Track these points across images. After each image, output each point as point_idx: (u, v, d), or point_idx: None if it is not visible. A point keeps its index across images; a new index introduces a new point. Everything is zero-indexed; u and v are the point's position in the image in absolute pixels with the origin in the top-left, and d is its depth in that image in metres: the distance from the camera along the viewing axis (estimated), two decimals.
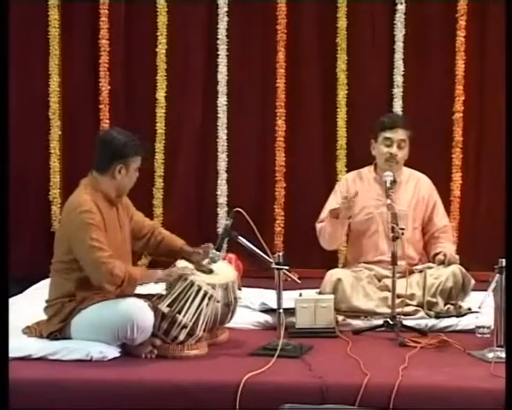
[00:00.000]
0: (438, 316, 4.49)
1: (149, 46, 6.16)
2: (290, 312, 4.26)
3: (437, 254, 4.75)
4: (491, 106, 6.01)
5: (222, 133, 6.18)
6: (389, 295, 4.42)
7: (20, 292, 5.15)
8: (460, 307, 4.59)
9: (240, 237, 4.05)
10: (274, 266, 3.94)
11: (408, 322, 4.34)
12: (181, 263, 4.08)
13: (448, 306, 4.56)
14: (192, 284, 3.91)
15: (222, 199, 6.20)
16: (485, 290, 3.85)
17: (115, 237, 3.96)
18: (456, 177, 6.07)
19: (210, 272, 4.07)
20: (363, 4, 6.08)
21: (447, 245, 4.85)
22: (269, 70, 6.14)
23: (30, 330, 4.04)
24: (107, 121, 6.15)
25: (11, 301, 4.21)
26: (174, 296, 3.89)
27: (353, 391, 3.40)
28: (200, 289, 3.89)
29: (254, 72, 6.20)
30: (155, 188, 6.22)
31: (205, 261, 4.08)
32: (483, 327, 4.22)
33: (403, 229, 4.33)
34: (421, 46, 6.10)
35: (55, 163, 6.20)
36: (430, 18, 6.10)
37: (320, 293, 4.61)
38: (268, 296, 4.57)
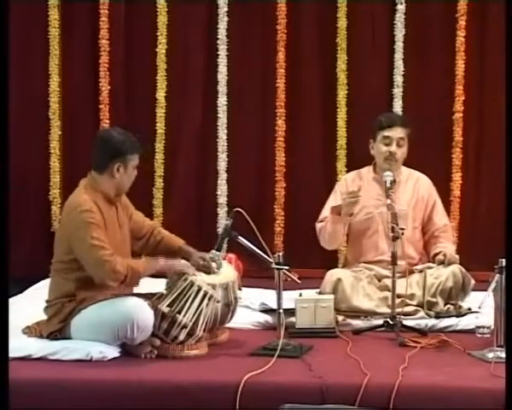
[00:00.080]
0: (438, 316, 4.49)
1: (149, 46, 6.16)
2: (290, 312, 4.26)
3: (437, 254, 4.75)
4: (491, 106, 6.01)
5: (222, 133, 6.18)
6: (389, 295, 4.42)
7: (20, 292, 5.15)
8: (460, 307, 4.59)
9: (240, 237, 4.05)
10: (274, 266, 3.94)
11: (408, 322, 4.33)
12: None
13: (448, 306, 4.56)
14: (192, 284, 3.91)
15: (222, 199, 6.20)
16: (485, 290, 3.85)
17: (115, 236, 3.97)
18: (456, 177, 6.07)
19: (211, 271, 4.07)
20: (363, 4, 6.08)
21: (447, 245, 4.85)
22: (269, 70, 6.14)
23: (30, 330, 4.04)
24: (107, 121, 6.15)
25: (11, 301, 4.21)
26: (174, 296, 3.89)
27: (353, 391, 3.40)
28: (200, 289, 3.90)
29: (254, 72, 6.20)
30: (155, 188, 6.22)
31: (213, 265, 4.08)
32: (483, 327, 4.22)
33: (403, 229, 4.33)
34: (421, 46, 6.10)
35: (55, 163, 6.20)
36: (430, 18, 6.10)
37: (320, 293, 4.61)
38: (268, 296, 4.57)
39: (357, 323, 4.45)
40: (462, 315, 4.51)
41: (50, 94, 6.18)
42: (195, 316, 3.85)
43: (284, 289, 3.98)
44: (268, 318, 4.48)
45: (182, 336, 3.85)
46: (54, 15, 6.14)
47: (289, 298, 4.23)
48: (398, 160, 4.82)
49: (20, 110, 5.94)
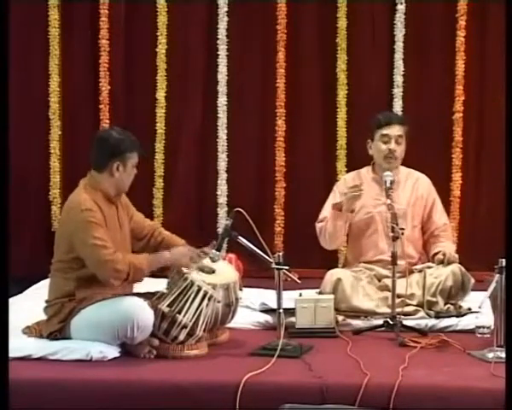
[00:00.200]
0: (438, 316, 4.49)
1: (149, 46, 6.17)
2: (290, 312, 4.25)
3: (436, 253, 4.75)
4: (491, 106, 6.02)
5: (222, 133, 6.19)
6: (389, 294, 4.42)
7: (20, 292, 5.15)
8: (460, 306, 4.59)
9: (240, 237, 4.05)
10: (274, 266, 3.94)
11: (408, 322, 4.33)
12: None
13: (448, 305, 4.56)
14: (192, 283, 3.91)
15: (222, 199, 6.20)
16: (485, 290, 3.85)
17: (115, 235, 3.96)
18: (456, 177, 6.07)
19: (211, 271, 4.07)
20: (363, 4, 6.08)
21: (447, 244, 4.85)
22: (269, 70, 6.14)
23: (30, 330, 4.04)
24: (107, 121, 6.16)
25: (11, 301, 4.20)
26: (174, 296, 3.89)
27: (353, 391, 3.40)
28: (200, 289, 3.89)
29: (254, 72, 6.21)
30: (155, 188, 6.22)
31: (206, 261, 4.08)
32: (483, 327, 4.22)
33: (403, 229, 4.33)
34: (421, 46, 6.10)
35: (55, 163, 6.21)
36: (430, 18, 6.10)
37: (320, 293, 4.61)
38: (268, 296, 4.57)
39: (357, 323, 4.45)
40: (462, 315, 4.51)
41: (50, 94, 6.18)
42: (195, 316, 3.85)
43: (284, 289, 3.97)
44: (268, 318, 4.48)
45: (182, 336, 3.85)
46: (54, 15, 6.14)
47: (289, 298, 4.23)
48: (398, 157, 4.82)
49: (20, 110, 5.94)
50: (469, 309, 4.55)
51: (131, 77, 6.25)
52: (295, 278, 4.00)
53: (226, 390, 3.43)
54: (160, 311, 3.85)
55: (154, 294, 3.99)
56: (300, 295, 4.36)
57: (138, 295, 3.98)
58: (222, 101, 6.17)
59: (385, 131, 4.79)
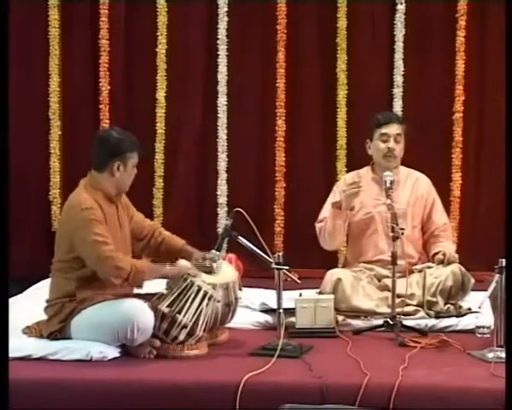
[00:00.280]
0: (438, 316, 4.49)
1: (149, 46, 6.17)
2: (290, 312, 4.25)
3: (436, 253, 4.75)
4: (491, 106, 6.02)
5: (222, 133, 6.19)
6: (389, 294, 4.42)
7: (20, 292, 5.15)
8: (460, 306, 4.59)
9: (240, 237, 4.05)
10: (274, 266, 3.94)
11: (408, 322, 4.33)
12: (182, 263, 4.09)
13: (448, 305, 4.56)
14: (192, 283, 3.91)
15: (222, 199, 6.20)
16: (485, 290, 3.85)
17: (115, 235, 3.96)
18: (456, 177, 6.07)
19: (211, 271, 4.08)
20: (363, 4, 6.09)
21: (447, 244, 4.85)
22: (269, 70, 6.14)
23: (30, 330, 4.04)
24: (107, 121, 6.16)
25: (11, 301, 4.20)
26: (174, 296, 3.89)
27: (353, 391, 3.40)
28: (200, 289, 3.89)
29: (254, 72, 6.21)
30: (155, 188, 6.22)
31: (207, 262, 4.08)
32: (483, 327, 4.22)
33: (403, 229, 4.33)
34: (421, 46, 6.10)
35: (55, 163, 6.21)
36: (430, 18, 6.10)
37: (320, 293, 4.61)
38: (268, 296, 4.57)
39: (357, 323, 4.45)
40: (462, 315, 4.51)
41: (50, 94, 6.18)
42: (195, 316, 3.85)
43: (284, 289, 3.97)
44: (268, 318, 4.48)
45: (182, 336, 3.85)
46: (54, 15, 6.15)
47: (289, 298, 4.23)
48: (397, 156, 4.82)
49: (20, 110, 5.94)
50: (469, 309, 4.55)
51: (131, 77, 6.25)
52: (295, 278, 4.00)
53: (226, 390, 3.43)
54: (159, 311, 3.85)
55: (154, 295, 3.99)
56: (300, 295, 4.36)
57: (138, 296, 3.98)
58: (222, 101, 6.17)
59: (384, 130, 4.79)
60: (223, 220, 6.01)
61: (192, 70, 6.22)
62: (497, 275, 3.79)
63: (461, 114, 6.05)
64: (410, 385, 3.45)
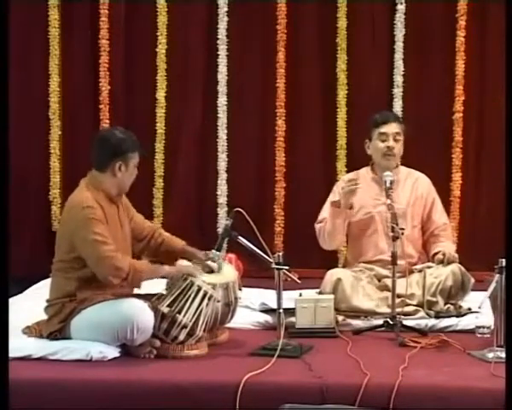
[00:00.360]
0: (438, 316, 4.49)
1: (149, 46, 6.17)
2: (290, 312, 4.25)
3: (436, 253, 4.75)
4: (491, 106, 6.02)
5: (222, 133, 6.19)
6: (389, 294, 4.42)
7: (20, 292, 5.15)
8: (460, 306, 4.59)
9: (240, 237, 4.05)
10: (274, 266, 3.94)
11: (408, 322, 4.33)
12: (182, 263, 4.09)
13: (448, 305, 4.56)
14: (192, 283, 3.91)
15: (222, 199, 6.20)
16: (485, 290, 3.85)
17: (116, 235, 3.96)
18: (456, 177, 6.07)
19: (211, 271, 4.08)
20: (363, 4, 6.09)
21: (446, 244, 4.85)
22: (269, 70, 6.14)
23: (30, 330, 4.04)
24: (107, 121, 6.16)
25: (11, 301, 4.20)
26: (174, 296, 3.89)
27: (353, 391, 3.40)
28: (200, 289, 3.89)
29: (254, 72, 6.21)
30: (155, 188, 6.22)
31: (209, 262, 4.09)
32: (483, 327, 4.22)
33: (403, 229, 4.33)
34: (421, 46, 6.11)
35: (55, 163, 6.21)
36: (430, 18, 6.10)
37: (320, 293, 4.61)
38: (268, 296, 4.57)
39: (357, 323, 4.45)
40: (462, 315, 4.51)
41: (50, 94, 6.18)
42: (195, 316, 3.85)
43: (284, 289, 3.97)
44: (268, 318, 4.48)
45: (182, 336, 3.85)
46: (54, 15, 6.15)
47: (289, 298, 4.23)
48: (396, 154, 4.82)
49: (20, 110, 5.94)
50: (469, 309, 4.55)
51: (131, 77, 6.25)
52: (295, 278, 4.00)
53: (226, 390, 3.43)
54: (159, 311, 3.85)
55: (154, 295, 3.99)
56: (300, 295, 4.36)
57: (138, 296, 3.98)
58: (222, 101, 6.17)
59: (382, 130, 4.80)
60: (223, 220, 6.01)
61: (192, 70, 6.22)
62: (497, 275, 3.79)
63: (461, 114, 6.05)
64: (410, 385, 3.45)
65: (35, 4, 6.12)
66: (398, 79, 6.07)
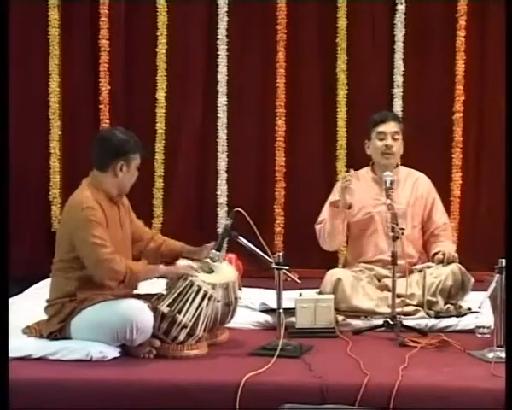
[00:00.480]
0: (438, 316, 4.49)
1: (149, 46, 6.17)
2: (290, 312, 4.25)
3: (436, 253, 4.75)
4: (491, 106, 6.02)
5: (222, 133, 6.19)
6: (389, 294, 4.42)
7: (20, 292, 5.15)
8: (460, 306, 4.59)
9: (240, 237, 4.05)
10: (274, 266, 3.94)
11: (408, 322, 4.33)
12: (182, 262, 4.09)
13: (448, 305, 4.56)
14: (192, 283, 3.90)
15: (222, 199, 6.20)
16: (485, 290, 3.85)
17: (116, 235, 3.97)
18: (456, 177, 6.07)
19: (211, 271, 4.08)
20: (363, 4, 6.09)
21: (447, 244, 4.85)
22: (269, 70, 6.14)
23: (30, 330, 4.04)
24: (107, 121, 6.16)
25: (11, 301, 4.20)
26: (174, 296, 3.89)
27: (353, 391, 3.40)
28: (200, 289, 3.89)
29: (254, 72, 6.21)
30: (155, 188, 6.22)
31: (207, 259, 4.09)
32: (483, 327, 4.22)
33: (403, 229, 4.33)
34: (421, 46, 6.11)
35: (55, 163, 6.21)
36: (430, 18, 6.10)
37: (320, 293, 4.61)
38: (268, 296, 4.57)
39: (357, 323, 4.45)
40: (462, 315, 4.51)
41: (50, 94, 6.19)
42: (195, 316, 3.85)
43: (284, 289, 3.97)
44: (268, 318, 4.48)
45: (182, 336, 3.85)
46: (54, 15, 6.15)
47: (289, 298, 4.23)
48: (395, 153, 4.82)
49: (20, 110, 5.94)
50: (469, 309, 4.55)
51: (131, 77, 6.25)
52: (295, 278, 4.00)
53: (226, 390, 3.43)
54: (159, 311, 3.85)
55: (154, 295, 3.99)
56: (300, 295, 4.36)
57: (138, 296, 3.98)
58: (222, 101, 6.17)
59: (380, 129, 4.81)
60: (223, 220, 6.01)
61: (192, 70, 6.22)
62: (497, 275, 3.79)
63: (461, 114, 6.05)
64: (410, 385, 3.45)
65: (35, 4, 6.12)
66: (398, 79, 6.07)
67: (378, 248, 4.80)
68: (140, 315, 3.77)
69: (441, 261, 4.67)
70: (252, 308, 4.65)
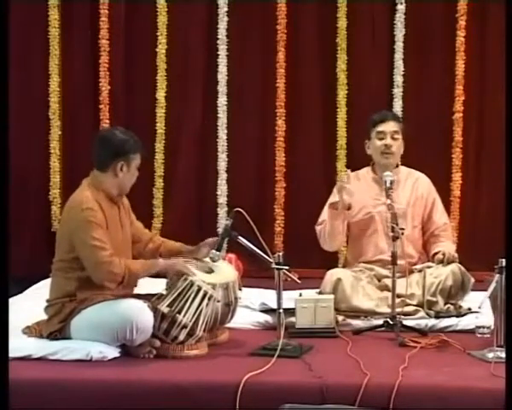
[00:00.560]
0: (438, 316, 4.49)
1: (149, 46, 6.17)
2: (290, 312, 4.25)
3: (436, 253, 4.75)
4: (491, 106, 6.02)
5: (222, 133, 6.19)
6: (389, 294, 4.42)
7: (20, 292, 5.15)
8: (460, 306, 4.59)
9: (240, 237, 4.05)
10: (274, 266, 3.94)
11: (408, 322, 4.33)
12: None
13: (448, 305, 4.56)
14: (192, 283, 3.90)
15: (222, 199, 6.20)
16: (485, 290, 3.85)
17: (116, 235, 3.97)
18: (456, 177, 6.07)
19: (210, 271, 4.08)
20: (363, 4, 6.08)
21: (447, 244, 4.85)
22: (269, 70, 6.14)
23: (30, 330, 4.04)
24: (107, 121, 6.16)
25: (11, 301, 4.20)
26: (174, 296, 3.89)
27: (353, 391, 3.40)
28: (200, 289, 3.89)
29: (254, 72, 6.21)
30: (155, 188, 6.22)
31: (206, 258, 4.09)
32: (483, 327, 4.22)
33: (403, 229, 4.33)
34: (421, 46, 6.10)
35: (55, 163, 6.21)
36: (430, 18, 6.10)
37: (320, 293, 4.61)
38: (268, 296, 4.57)
39: (357, 323, 4.45)
40: (462, 315, 4.51)
41: (50, 94, 6.18)
42: (195, 316, 3.85)
43: (284, 289, 3.97)
44: (268, 318, 4.48)
45: (182, 336, 3.85)
46: (54, 15, 6.14)
47: (289, 298, 4.23)
48: (394, 153, 4.82)
49: (20, 110, 5.93)
50: (469, 309, 4.55)
51: (131, 77, 6.25)
52: (295, 278, 4.00)
53: (226, 390, 3.43)
54: (159, 311, 3.85)
55: (154, 295, 3.99)
56: (300, 295, 4.36)
57: (138, 296, 3.98)
58: (222, 101, 6.17)
59: (380, 128, 4.81)
60: (223, 220, 6.01)
61: (192, 70, 6.22)
62: (497, 275, 3.79)
63: (461, 114, 6.05)
64: (410, 385, 3.45)
65: (35, 4, 6.11)
66: (398, 79, 6.07)
67: (378, 248, 4.80)
68: (140, 315, 3.78)
69: (441, 261, 4.67)
70: (252, 308, 4.65)
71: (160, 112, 6.19)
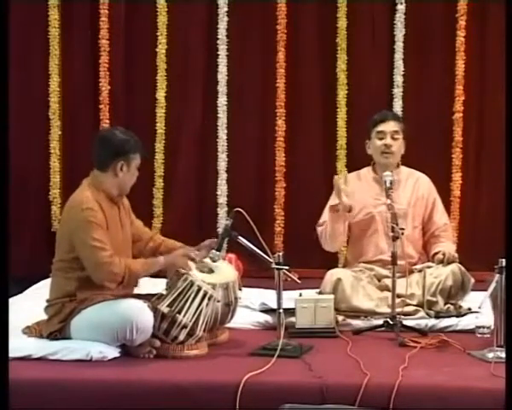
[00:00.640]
0: (438, 316, 4.49)
1: (149, 46, 6.17)
2: (290, 312, 4.25)
3: (436, 253, 4.75)
4: (491, 106, 6.02)
5: (222, 133, 6.19)
6: (389, 294, 4.42)
7: (20, 292, 5.15)
8: (460, 306, 4.59)
9: (240, 237, 4.05)
10: (274, 266, 3.94)
11: (408, 322, 4.33)
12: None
13: (448, 305, 4.56)
14: (192, 283, 3.91)
15: (222, 199, 6.20)
16: (485, 290, 3.85)
17: (116, 235, 3.97)
18: (456, 177, 6.07)
19: (210, 271, 4.08)
20: (363, 4, 6.08)
21: (447, 244, 4.85)
22: (269, 70, 6.14)
23: (30, 330, 4.04)
24: (107, 121, 6.16)
25: (11, 301, 4.20)
26: (174, 296, 3.89)
27: (353, 391, 3.40)
28: (200, 289, 3.89)
29: (254, 72, 6.21)
30: (155, 188, 6.22)
31: (206, 259, 4.09)
32: (483, 327, 4.22)
33: (403, 229, 4.33)
34: (421, 46, 6.11)
35: (55, 163, 6.21)
36: (430, 18, 6.10)
37: (320, 293, 4.61)
38: (268, 296, 4.57)
39: (357, 323, 4.45)
40: (462, 315, 4.51)
41: (50, 94, 6.18)
42: (195, 316, 3.85)
43: (284, 289, 3.97)
44: (268, 318, 4.48)
45: (182, 336, 3.85)
46: (54, 15, 6.14)
47: (289, 298, 4.23)
48: (394, 152, 4.82)
49: (20, 110, 5.93)
50: (469, 309, 4.55)
51: (131, 77, 6.25)
52: (295, 278, 4.00)
53: (226, 390, 3.43)
54: (159, 311, 3.85)
55: (154, 295, 3.99)
56: (300, 295, 4.36)
57: (138, 296, 3.98)
58: (222, 101, 6.17)
59: (380, 128, 4.81)
60: (223, 220, 6.01)
61: (192, 70, 6.22)
62: (497, 275, 3.79)
63: (461, 114, 6.05)
64: (410, 385, 3.45)
65: (35, 4, 6.11)
66: (398, 79, 6.07)
67: (378, 248, 4.80)
68: (140, 315, 3.78)
69: (441, 261, 4.67)
70: (252, 308, 4.65)
71: (160, 112, 6.19)
